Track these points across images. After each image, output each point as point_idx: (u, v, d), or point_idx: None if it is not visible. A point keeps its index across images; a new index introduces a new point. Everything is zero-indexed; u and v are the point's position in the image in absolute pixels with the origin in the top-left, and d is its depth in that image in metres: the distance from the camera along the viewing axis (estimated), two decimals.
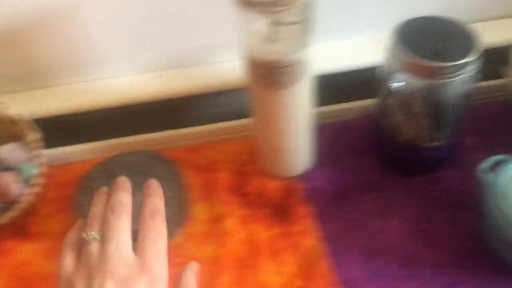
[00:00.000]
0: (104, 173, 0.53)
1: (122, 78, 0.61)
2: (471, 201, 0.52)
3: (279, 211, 0.54)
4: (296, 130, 0.52)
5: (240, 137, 0.61)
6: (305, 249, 0.50)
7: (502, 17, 0.65)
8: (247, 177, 0.58)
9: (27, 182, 0.54)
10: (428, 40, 0.48)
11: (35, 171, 0.54)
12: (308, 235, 0.51)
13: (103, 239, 0.38)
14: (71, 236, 0.41)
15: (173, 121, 0.63)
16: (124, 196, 0.41)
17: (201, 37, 0.59)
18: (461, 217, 0.52)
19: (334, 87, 0.62)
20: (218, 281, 0.49)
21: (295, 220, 0.53)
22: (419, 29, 0.48)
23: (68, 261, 0.38)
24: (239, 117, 0.62)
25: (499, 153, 0.50)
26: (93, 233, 0.38)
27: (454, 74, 0.46)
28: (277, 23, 0.42)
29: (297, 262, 0.49)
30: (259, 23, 0.44)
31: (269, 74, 0.45)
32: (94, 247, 0.37)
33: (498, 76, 0.58)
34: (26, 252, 0.53)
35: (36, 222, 0.55)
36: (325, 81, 0.60)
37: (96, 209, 0.41)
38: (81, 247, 0.39)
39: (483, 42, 0.61)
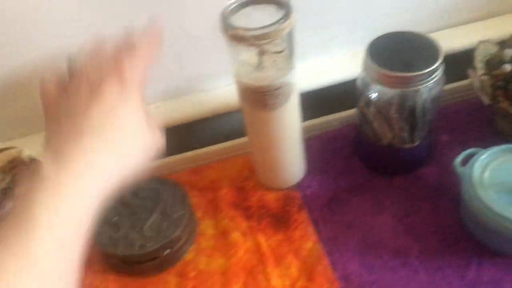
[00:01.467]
0: (116, 200, 0.58)
1: None
2: (450, 192, 0.58)
3: (280, 219, 0.59)
4: (287, 144, 0.57)
5: (239, 155, 0.67)
6: (306, 251, 0.56)
7: (464, 22, 0.72)
8: (248, 191, 0.63)
9: None
10: (396, 53, 0.54)
11: None
12: (307, 238, 0.57)
13: None
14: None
15: (176, 147, 0.68)
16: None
17: (193, 68, 0.65)
18: (442, 208, 0.57)
19: (318, 101, 0.68)
20: None
21: (295, 226, 0.58)
22: (388, 44, 0.55)
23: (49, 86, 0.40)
24: (237, 136, 0.67)
25: (470, 147, 0.56)
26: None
27: (421, 82, 0.52)
28: (263, 53, 0.48)
29: (299, 264, 0.55)
30: (248, 53, 0.49)
31: (259, 98, 0.51)
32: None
33: (464, 77, 0.64)
34: None
35: None
36: (310, 97, 0.66)
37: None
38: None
39: (449, 47, 0.68)
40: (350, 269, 0.53)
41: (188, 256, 0.57)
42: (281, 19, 0.45)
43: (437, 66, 0.51)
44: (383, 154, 0.60)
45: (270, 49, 0.47)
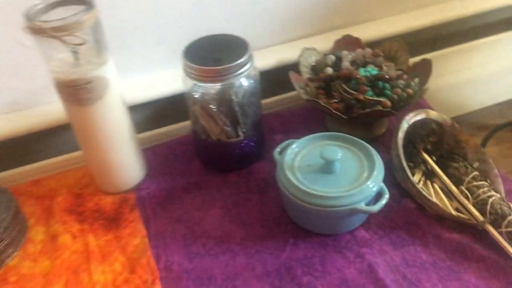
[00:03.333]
0: None
1: None
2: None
3: (112, 220, 0.59)
4: (114, 144, 0.58)
5: (81, 166, 0.67)
6: (132, 247, 0.56)
7: (292, 40, 0.78)
8: (86, 197, 0.63)
9: None
10: (210, 53, 0.58)
11: None
12: (135, 235, 0.57)
13: None
14: None
15: (20, 159, 0.67)
16: None
17: (33, 80, 0.65)
18: (268, 197, 0.60)
19: (167, 110, 0.71)
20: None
21: (125, 225, 0.58)
22: (203, 46, 0.59)
23: None
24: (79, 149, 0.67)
25: None
26: None
27: (232, 75, 0.56)
28: (76, 51, 0.50)
29: (124, 259, 0.54)
30: (63, 52, 0.51)
31: (72, 92, 0.52)
32: None
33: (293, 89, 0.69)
34: None
35: None
36: (157, 107, 0.69)
37: None
38: None
39: (280, 59, 0.74)
40: (172, 260, 0.54)
41: (12, 262, 0.55)
42: (80, 12, 0.48)
43: (244, 60, 0.56)
44: (215, 150, 0.63)
45: (71, 41, 0.49)
